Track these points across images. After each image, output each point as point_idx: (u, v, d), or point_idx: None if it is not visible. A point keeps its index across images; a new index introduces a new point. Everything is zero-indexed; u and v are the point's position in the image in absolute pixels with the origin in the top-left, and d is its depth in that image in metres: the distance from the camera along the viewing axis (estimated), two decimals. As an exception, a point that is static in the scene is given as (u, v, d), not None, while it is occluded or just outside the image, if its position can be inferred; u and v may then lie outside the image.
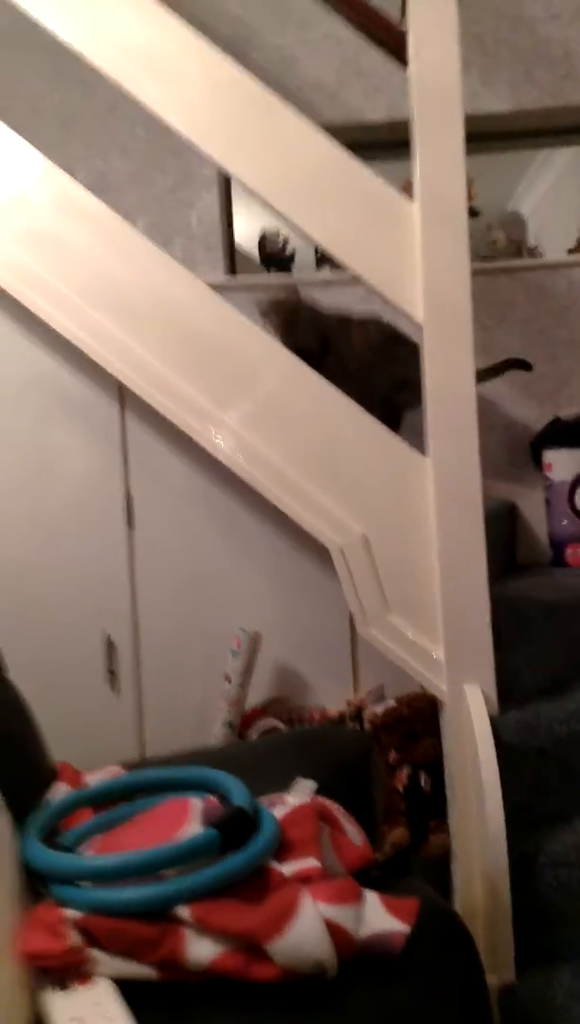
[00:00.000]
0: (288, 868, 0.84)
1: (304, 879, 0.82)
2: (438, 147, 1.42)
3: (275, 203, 1.46)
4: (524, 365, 2.15)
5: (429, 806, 1.55)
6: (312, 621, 1.71)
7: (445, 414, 1.43)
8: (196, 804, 0.91)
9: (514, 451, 2.29)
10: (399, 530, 1.46)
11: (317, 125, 1.45)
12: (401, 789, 1.54)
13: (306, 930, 0.76)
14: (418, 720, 1.56)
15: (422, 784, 1.55)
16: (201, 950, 0.76)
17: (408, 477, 1.46)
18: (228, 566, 1.71)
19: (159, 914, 0.78)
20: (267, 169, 1.46)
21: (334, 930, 0.76)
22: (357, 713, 1.63)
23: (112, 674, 1.72)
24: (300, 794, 0.99)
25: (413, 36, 1.42)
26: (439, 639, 1.43)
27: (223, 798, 0.94)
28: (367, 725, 1.59)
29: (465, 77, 2.27)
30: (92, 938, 0.78)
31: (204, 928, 0.77)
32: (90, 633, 1.73)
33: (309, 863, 0.84)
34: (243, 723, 1.62)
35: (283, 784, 1.06)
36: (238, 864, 0.81)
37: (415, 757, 1.56)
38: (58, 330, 1.48)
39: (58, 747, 1.73)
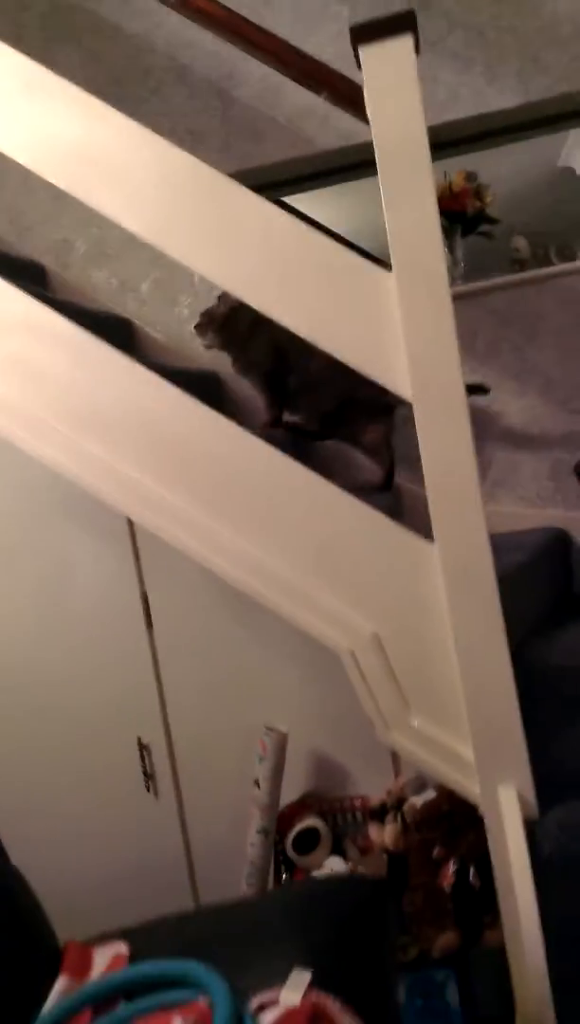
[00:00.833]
0: None
1: None
2: (409, 211, 1.29)
3: (242, 293, 1.37)
4: (482, 390, 2.01)
5: (481, 901, 1.47)
6: (345, 707, 1.61)
7: (446, 495, 1.32)
8: (177, 1024, 0.86)
9: (558, 472, 2.14)
10: (412, 623, 1.36)
11: (274, 203, 1.35)
12: (447, 888, 1.46)
13: None
14: (460, 813, 1.47)
15: (471, 879, 1.47)
16: None
17: (415, 566, 1.36)
18: (252, 657, 1.65)
19: None
20: (230, 258, 1.37)
21: None
22: (398, 804, 1.55)
23: (149, 777, 1.69)
24: (295, 989, 0.93)
25: (369, 92, 1.29)
26: (467, 738, 1.33)
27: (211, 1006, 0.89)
28: (407, 819, 1.52)
29: (468, 76, 2.13)
30: None
31: None
32: (123, 737, 1.71)
33: None
34: (280, 824, 1.57)
35: (289, 947, 1.01)
36: None
37: (461, 851, 1.47)
38: (42, 460, 1.44)
39: (103, 853, 1.73)
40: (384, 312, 1.33)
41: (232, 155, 2.16)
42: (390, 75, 1.27)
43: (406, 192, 1.29)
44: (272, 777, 1.52)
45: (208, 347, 1.91)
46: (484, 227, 2.20)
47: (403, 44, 1.26)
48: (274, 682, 1.65)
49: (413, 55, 1.26)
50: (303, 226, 1.35)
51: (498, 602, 1.31)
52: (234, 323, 1.85)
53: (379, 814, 1.58)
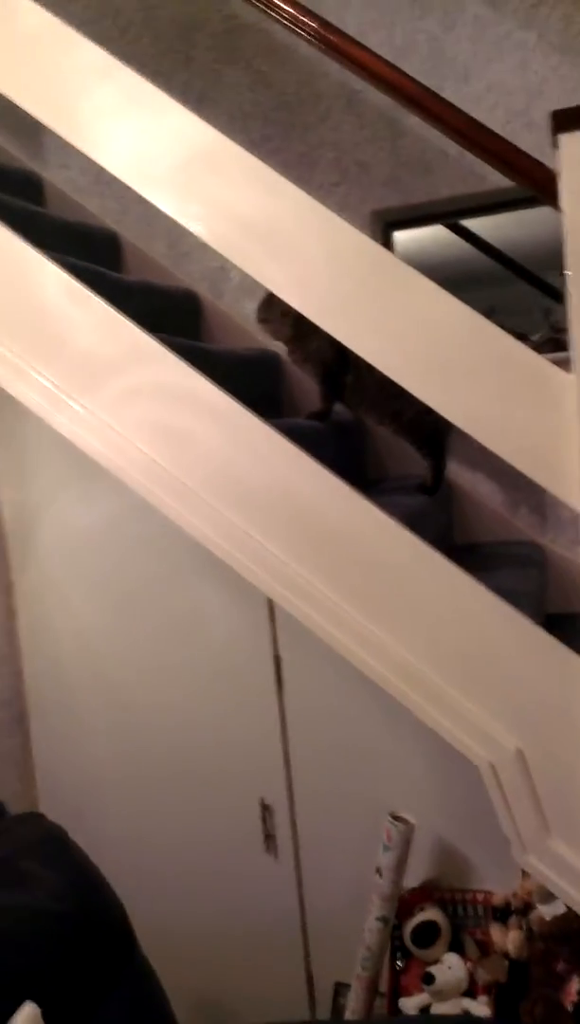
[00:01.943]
0: None
1: None
2: (597, 312, 1.20)
3: (405, 380, 1.31)
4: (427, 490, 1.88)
5: (605, 1023, 1.40)
6: (473, 798, 1.56)
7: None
8: None
9: None
10: (560, 743, 1.29)
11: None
12: (570, 1005, 1.41)
13: None
14: (591, 934, 1.40)
15: (596, 1000, 1.41)
16: None
17: (570, 683, 1.28)
18: (382, 732, 1.62)
19: None
20: (395, 343, 1.31)
21: None
22: (523, 908, 1.50)
23: (269, 838, 1.70)
24: None
25: (566, 182, 1.19)
26: (608, 871, 1.26)
27: None
28: (533, 928, 1.46)
29: None
30: None
31: None
32: (246, 794, 1.71)
33: None
34: (399, 909, 1.54)
35: None
36: None
37: (588, 971, 1.41)
38: (185, 528, 1.43)
39: (218, 906, 1.76)
40: (560, 416, 1.24)
41: (399, 188, 2.07)
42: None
43: (597, 292, 1.19)
44: (395, 868, 1.49)
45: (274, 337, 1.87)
46: None
47: (609, 133, 1.15)
48: (402, 760, 1.61)
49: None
50: (477, 316, 1.27)
51: None
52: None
53: (502, 915, 1.53)
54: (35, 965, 1.03)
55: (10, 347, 1.46)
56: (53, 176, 2.27)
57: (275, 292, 1.35)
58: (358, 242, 1.31)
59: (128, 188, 1.41)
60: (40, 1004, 0.98)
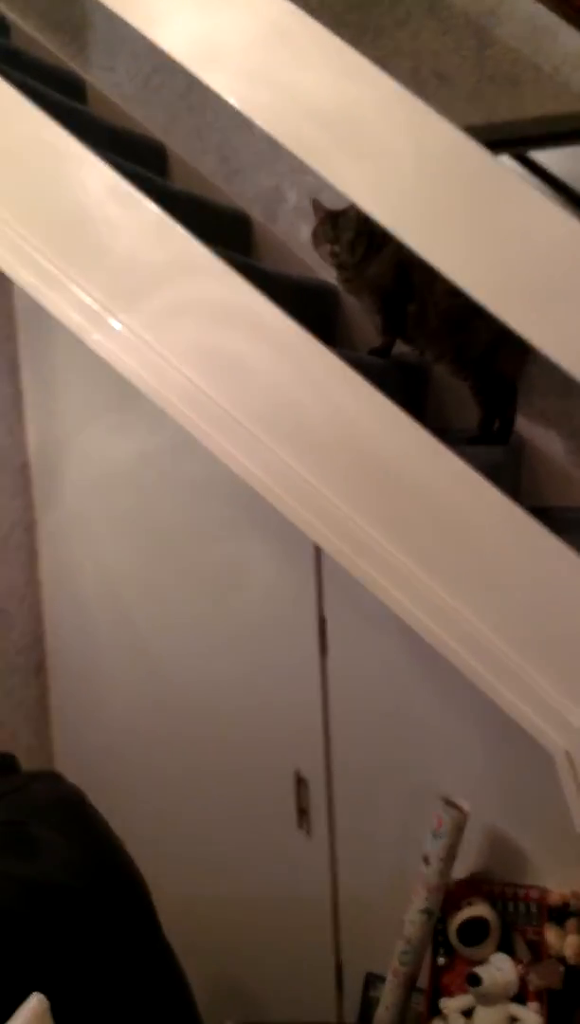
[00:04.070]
0: None
1: None
2: None
3: (497, 305, 1.12)
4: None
5: None
6: (533, 784, 1.41)
7: None
8: None
9: None
10: None
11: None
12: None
13: None
14: None
15: None
16: None
17: None
18: (432, 706, 1.46)
19: None
20: (489, 261, 1.12)
21: None
22: (585, 910, 1.35)
23: (303, 813, 1.56)
24: None
25: None
26: None
27: None
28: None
29: None
30: None
31: None
32: (281, 764, 1.57)
33: None
34: (445, 902, 1.40)
35: None
36: None
37: None
38: (231, 466, 1.26)
39: (244, 883, 1.62)
40: None
41: (482, 104, 1.86)
42: None
43: None
44: (445, 857, 1.34)
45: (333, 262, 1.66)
46: None
47: None
48: (456, 739, 1.46)
49: None
50: (591, 233, 1.08)
51: None
52: (361, 230, 1.59)
53: (559, 916, 1.38)
54: (42, 947, 0.89)
55: (44, 251, 1.28)
56: (97, 79, 2.07)
57: (350, 196, 1.17)
58: (455, 141, 1.11)
59: (178, 97, 1.23)
60: (46, 991, 0.84)
